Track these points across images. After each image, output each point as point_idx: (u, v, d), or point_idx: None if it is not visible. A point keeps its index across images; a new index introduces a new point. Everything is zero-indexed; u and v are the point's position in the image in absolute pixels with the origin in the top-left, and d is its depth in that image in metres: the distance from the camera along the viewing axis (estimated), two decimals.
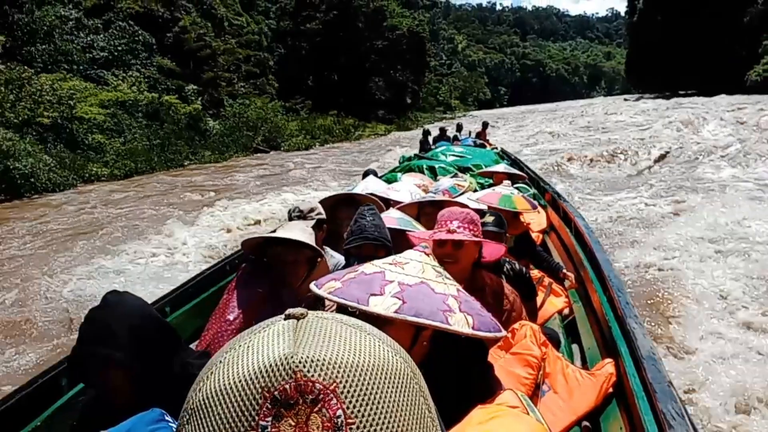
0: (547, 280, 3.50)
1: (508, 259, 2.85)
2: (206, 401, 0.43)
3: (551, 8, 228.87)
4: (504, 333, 1.27)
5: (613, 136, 19.06)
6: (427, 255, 1.39)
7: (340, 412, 0.38)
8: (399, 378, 0.44)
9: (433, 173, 6.33)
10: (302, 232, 2.37)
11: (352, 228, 2.46)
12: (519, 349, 2.08)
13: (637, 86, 70.28)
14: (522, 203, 3.79)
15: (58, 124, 17.98)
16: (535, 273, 3.54)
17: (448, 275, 1.38)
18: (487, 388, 1.40)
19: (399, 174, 6.39)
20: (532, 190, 6.10)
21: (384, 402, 0.41)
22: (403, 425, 0.42)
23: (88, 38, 26.81)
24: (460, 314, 1.22)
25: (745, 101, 27.20)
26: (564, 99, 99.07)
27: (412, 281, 1.24)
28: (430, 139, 14.46)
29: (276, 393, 0.39)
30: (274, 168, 19.86)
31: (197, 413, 0.43)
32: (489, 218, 3.05)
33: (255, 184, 15.89)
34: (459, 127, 17.21)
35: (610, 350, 2.33)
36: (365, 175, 5.90)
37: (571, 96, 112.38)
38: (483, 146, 11.56)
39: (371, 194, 3.65)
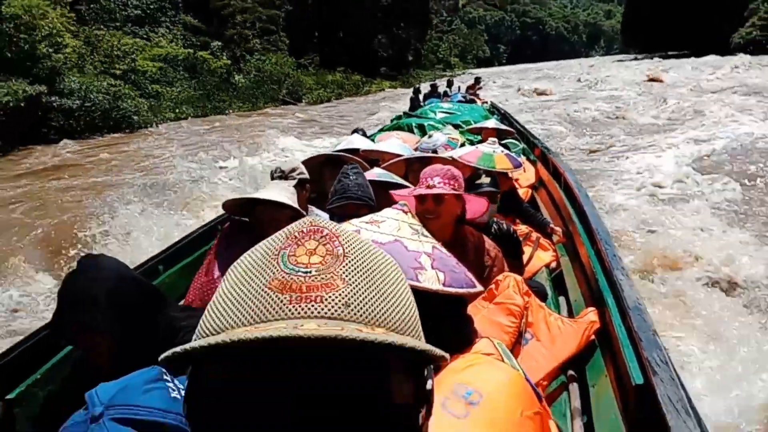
0: (534, 234, 3.49)
1: (495, 219, 2.84)
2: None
3: None
4: (479, 288, 1.32)
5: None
6: (405, 213, 1.40)
7: (340, 248, 0.51)
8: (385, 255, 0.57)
9: (422, 131, 6.19)
10: (282, 192, 2.36)
11: (335, 187, 2.46)
12: (502, 299, 2.12)
13: (631, 46, 71.05)
14: (503, 162, 3.69)
15: (126, 75, 20.95)
16: (523, 228, 3.52)
17: (426, 233, 1.39)
18: (462, 341, 1.45)
19: (386, 133, 6.26)
20: (521, 145, 6.01)
21: (374, 255, 0.54)
22: (386, 273, 0.53)
23: None
24: (431, 271, 1.25)
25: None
26: (563, 58, 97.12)
27: (385, 239, 1.27)
28: (421, 96, 14.25)
29: (295, 233, 0.52)
30: (305, 116, 22.40)
31: (236, 265, 0.55)
32: (485, 179, 3.06)
33: (299, 127, 18.31)
34: (450, 83, 17.05)
35: (596, 300, 2.36)
36: (353, 133, 5.84)
37: (571, 55, 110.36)
38: (473, 101, 11.34)
39: (360, 151, 3.66)
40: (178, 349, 0.47)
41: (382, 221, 1.33)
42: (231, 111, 24.75)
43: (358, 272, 0.50)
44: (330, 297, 0.48)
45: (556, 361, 2.08)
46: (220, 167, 11.30)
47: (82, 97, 17.04)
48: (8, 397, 1.84)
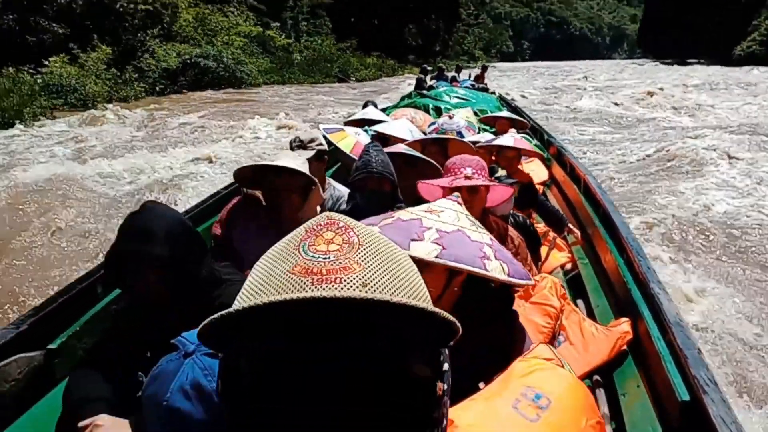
0: (551, 234, 3.44)
1: (512, 211, 2.85)
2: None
3: None
4: (532, 281, 1.36)
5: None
6: (460, 204, 1.45)
7: (355, 238, 0.55)
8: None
9: (438, 113, 6.13)
10: (294, 160, 2.34)
11: (357, 164, 2.50)
12: (539, 299, 2.15)
13: (648, 51, 74.62)
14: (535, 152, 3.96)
15: (224, 46, 25.43)
16: (540, 227, 3.45)
17: (480, 225, 1.42)
18: (515, 336, 1.50)
19: (399, 110, 6.13)
20: (534, 142, 5.69)
21: (386, 244, 0.58)
22: (397, 259, 0.57)
23: None
24: (496, 262, 1.29)
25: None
26: (586, 58, 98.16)
27: (449, 228, 1.32)
28: (428, 78, 14.25)
29: (314, 226, 0.56)
30: (362, 88, 26.08)
31: (261, 259, 0.58)
32: (502, 172, 3.16)
33: (355, 96, 21.67)
34: (458, 69, 17.24)
35: (626, 310, 2.30)
36: (365, 105, 5.92)
37: (594, 56, 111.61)
38: (485, 90, 11.22)
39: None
40: (216, 315, 0.52)
41: (441, 211, 1.38)
42: (297, 82, 28.98)
43: (372, 257, 0.54)
44: (348, 278, 0.51)
45: (588, 366, 2.05)
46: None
47: (217, 60, 22.83)
48: (49, 346, 1.87)
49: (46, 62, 15.13)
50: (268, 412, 0.51)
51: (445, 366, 0.57)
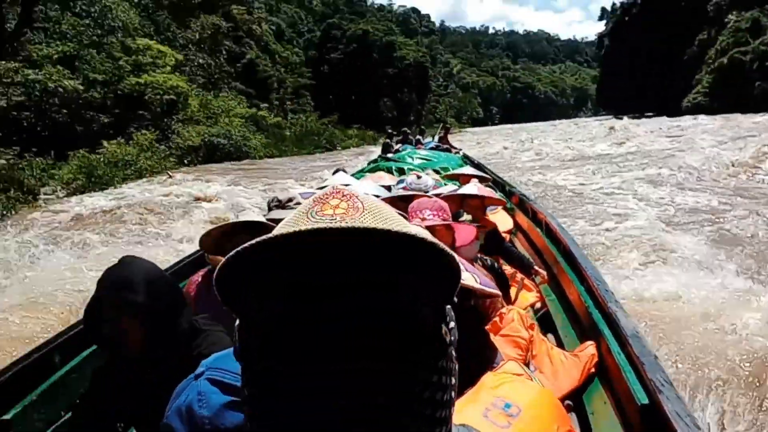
0: (519, 276, 3.52)
1: (479, 255, 2.85)
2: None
3: (542, 32, 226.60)
4: (498, 292, 1.39)
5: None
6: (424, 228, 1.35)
7: (359, 204, 0.54)
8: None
9: (402, 174, 6.29)
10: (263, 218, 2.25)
11: None
12: (508, 332, 2.18)
13: (605, 108, 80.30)
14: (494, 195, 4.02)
15: (226, 126, 28.48)
16: (507, 269, 3.50)
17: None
18: (487, 352, 1.52)
19: (366, 174, 6.48)
20: (498, 194, 5.82)
21: (389, 210, 0.57)
22: (401, 223, 0.56)
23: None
24: (467, 273, 1.30)
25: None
26: (552, 119, 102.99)
27: None
28: (393, 141, 14.00)
29: (320, 196, 0.56)
30: (347, 157, 28.51)
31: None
32: (467, 216, 3.21)
33: (351, 160, 24.52)
34: (422, 132, 17.23)
35: (590, 335, 2.38)
36: (335, 172, 6.08)
37: (559, 116, 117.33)
38: (448, 150, 11.40)
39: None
40: (244, 246, 0.49)
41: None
42: (292, 153, 32.48)
43: (377, 219, 0.53)
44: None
45: (560, 393, 2.03)
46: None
47: (227, 137, 26.51)
48: (4, 417, 1.81)
49: (102, 145, 18.62)
50: (278, 373, 0.50)
51: (452, 323, 0.58)
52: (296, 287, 0.50)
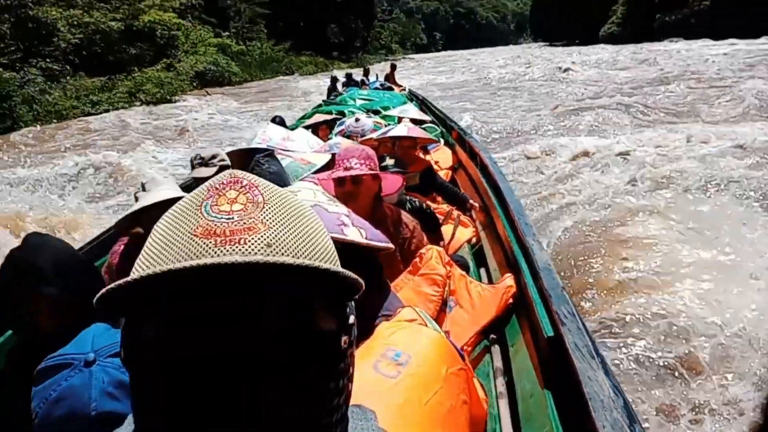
0: (456, 213, 3.53)
1: (408, 197, 2.86)
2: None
3: None
4: (391, 245, 1.41)
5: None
6: (315, 184, 1.47)
7: (260, 196, 0.52)
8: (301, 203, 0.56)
9: (343, 117, 6.01)
10: (162, 187, 2.22)
11: None
12: (426, 270, 2.19)
13: (538, 36, 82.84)
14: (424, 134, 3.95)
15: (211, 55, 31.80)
16: (443, 207, 3.55)
17: (337, 200, 1.44)
18: (381, 302, 1.50)
19: (307, 120, 6.18)
20: (440, 129, 6.12)
21: (292, 202, 0.55)
22: (304, 217, 0.54)
23: None
24: (353, 228, 1.35)
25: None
26: (494, 45, 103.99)
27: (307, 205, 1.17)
28: (339, 85, 13.50)
29: (216, 184, 0.53)
30: (307, 82, 31.06)
31: (162, 219, 0.53)
32: (390, 161, 3.09)
33: (313, 87, 25.71)
34: (366, 72, 16.77)
35: (511, 267, 2.41)
36: (272, 121, 5.97)
37: (501, 42, 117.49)
38: (390, 89, 11.26)
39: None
40: (113, 285, 0.46)
41: (298, 191, 1.41)
42: (260, 78, 35.32)
43: (277, 217, 0.51)
44: (252, 239, 0.48)
45: (478, 325, 2.13)
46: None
47: (215, 65, 30.66)
48: None
49: (145, 70, 24.42)
50: (172, 376, 0.48)
51: (351, 319, 0.56)
52: (190, 288, 0.47)
